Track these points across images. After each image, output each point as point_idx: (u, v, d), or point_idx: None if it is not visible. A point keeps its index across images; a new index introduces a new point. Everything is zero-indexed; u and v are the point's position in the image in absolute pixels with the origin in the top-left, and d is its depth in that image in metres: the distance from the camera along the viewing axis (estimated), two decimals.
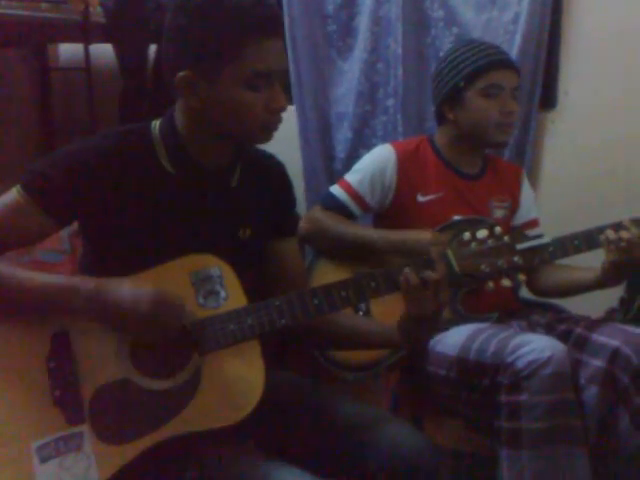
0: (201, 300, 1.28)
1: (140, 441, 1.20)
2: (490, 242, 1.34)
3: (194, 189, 1.34)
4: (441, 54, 2.48)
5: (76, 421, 1.20)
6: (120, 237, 1.29)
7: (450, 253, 1.34)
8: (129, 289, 1.20)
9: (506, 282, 1.35)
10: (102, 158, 1.27)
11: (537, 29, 2.32)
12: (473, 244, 1.34)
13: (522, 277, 1.37)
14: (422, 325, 1.35)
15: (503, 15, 2.38)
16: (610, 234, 1.63)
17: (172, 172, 1.33)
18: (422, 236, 1.76)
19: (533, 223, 2.02)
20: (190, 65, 1.24)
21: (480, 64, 1.84)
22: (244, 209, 1.41)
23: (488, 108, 1.84)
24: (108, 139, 1.31)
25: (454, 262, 1.33)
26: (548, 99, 2.43)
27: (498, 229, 1.34)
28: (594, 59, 2.35)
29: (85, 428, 1.20)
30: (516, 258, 1.33)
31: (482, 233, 1.34)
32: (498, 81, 1.84)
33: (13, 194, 1.27)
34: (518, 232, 1.37)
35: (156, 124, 1.36)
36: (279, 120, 1.31)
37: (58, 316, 1.24)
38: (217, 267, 1.29)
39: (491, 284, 1.36)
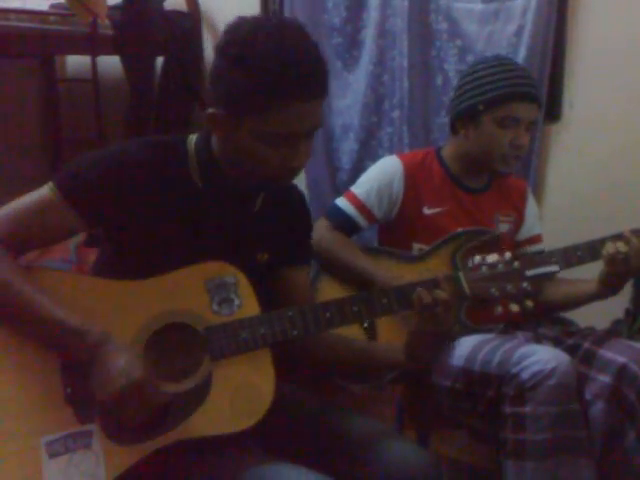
0: (215, 307, 1.29)
1: (148, 443, 1.21)
2: (500, 267, 1.35)
3: (219, 207, 1.36)
4: (445, 66, 2.50)
5: (86, 419, 1.21)
6: (141, 241, 1.31)
7: (461, 275, 1.36)
8: (121, 363, 1.18)
9: (514, 307, 1.37)
10: (136, 165, 1.30)
11: (541, 41, 2.34)
12: (484, 268, 1.36)
13: (530, 304, 1.37)
14: (432, 343, 1.38)
15: (506, 27, 2.40)
16: (610, 247, 1.64)
17: (201, 187, 1.35)
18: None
19: (536, 239, 2.02)
20: (218, 104, 1.25)
21: (504, 92, 1.80)
22: (264, 233, 1.42)
23: (499, 137, 1.81)
24: (144, 147, 1.33)
25: (465, 284, 1.35)
26: (553, 111, 2.43)
27: (508, 254, 1.36)
28: (599, 71, 2.35)
29: (95, 427, 1.21)
30: (525, 284, 1.34)
31: (492, 257, 1.36)
32: (517, 114, 1.80)
33: (45, 191, 1.29)
34: (529, 258, 1.38)
35: (192, 139, 1.38)
36: (295, 175, 1.32)
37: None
38: (232, 275, 1.31)
39: (500, 308, 1.37)
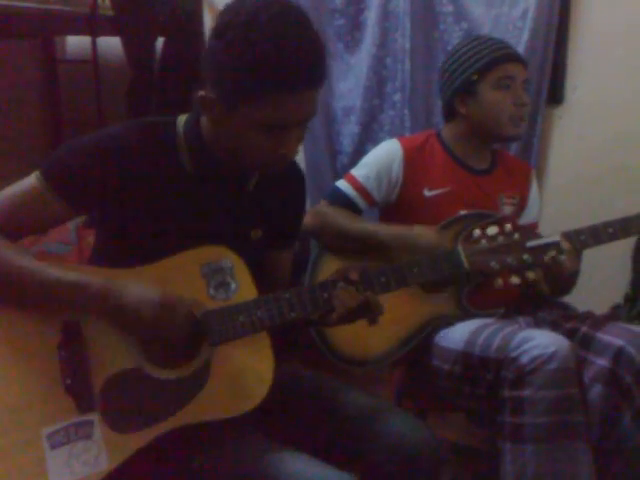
0: (212, 292, 1.29)
1: (149, 430, 1.21)
2: (500, 239, 1.34)
3: (211, 189, 1.35)
4: (449, 49, 2.48)
5: (86, 409, 1.21)
6: (133, 228, 1.30)
7: (460, 249, 1.34)
8: (135, 292, 1.20)
9: (515, 279, 1.35)
10: (123, 149, 1.27)
11: (545, 25, 2.33)
12: (483, 241, 1.34)
13: (531, 275, 1.36)
14: None
15: (512, 11, 2.39)
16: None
17: (190, 171, 1.33)
18: (426, 234, 1.76)
19: (532, 227, 2.01)
20: (211, 88, 1.22)
21: (493, 57, 1.86)
22: (258, 211, 1.41)
23: (502, 100, 1.85)
24: (131, 130, 1.30)
25: (464, 259, 1.34)
26: (555, 94, 2.43)
27: (508, 226, 1.35)
28: (602, 55, 2.35)
29: (95, 416, 1.21)
30: (525, 256, 1.33)
31: (492, 230, 1.34)
32: (510, 73, 1.86)
33: (32, 180, 1.27)
34: (528, 229, 1.37)
35: (182, 120, 1.35)
36: (286, 161, 1.29)
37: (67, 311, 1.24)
38: (228, 259, 1.31)
39: (500, 281, 1.36)
